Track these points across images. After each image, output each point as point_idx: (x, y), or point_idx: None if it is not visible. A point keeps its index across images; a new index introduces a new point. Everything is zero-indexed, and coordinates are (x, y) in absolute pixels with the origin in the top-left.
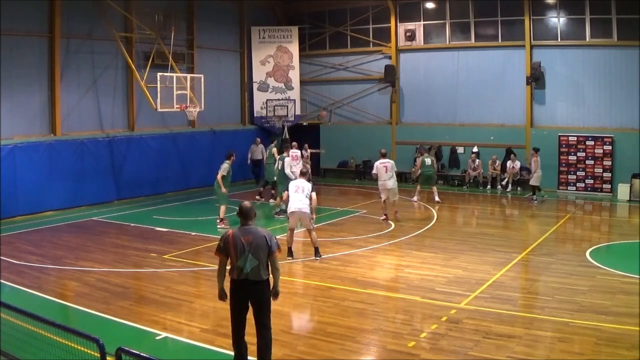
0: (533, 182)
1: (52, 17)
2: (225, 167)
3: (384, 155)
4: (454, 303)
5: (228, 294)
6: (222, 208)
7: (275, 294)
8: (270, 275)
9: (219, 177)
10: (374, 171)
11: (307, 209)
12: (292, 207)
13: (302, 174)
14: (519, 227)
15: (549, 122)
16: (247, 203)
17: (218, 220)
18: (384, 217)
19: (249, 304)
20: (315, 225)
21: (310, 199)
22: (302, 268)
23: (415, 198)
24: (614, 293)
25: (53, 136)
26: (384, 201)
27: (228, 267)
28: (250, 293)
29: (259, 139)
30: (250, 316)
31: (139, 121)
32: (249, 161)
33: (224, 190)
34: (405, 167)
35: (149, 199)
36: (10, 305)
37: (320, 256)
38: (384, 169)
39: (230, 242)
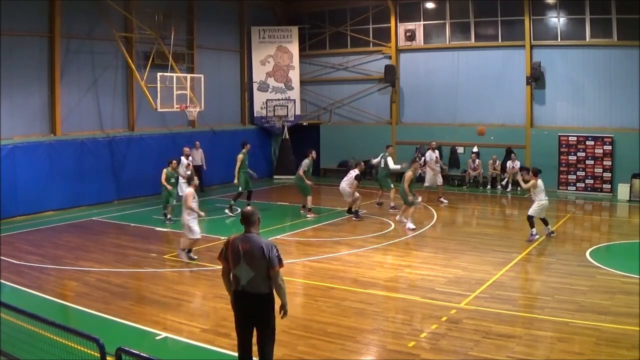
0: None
1: (52, 17)
2: (306, 162)
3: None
4: (454, 303)
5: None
6: (309, 198)
7: (283, 312)
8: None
9: (300, 172)
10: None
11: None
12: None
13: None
14: (519, 227)
15: (549, 122)
16: (249, 208)
17: (302, 210)
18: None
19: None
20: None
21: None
22: (302, 268)
23: (392, 203)
24: (614, 293)
25: (53, 136)
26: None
27: None
28: (249, 307)
29: (198, 142)
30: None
31: (139, 121)
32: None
33: (308, 182)
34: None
35: (149, 199)
36: (10, 305)
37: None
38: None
39: (230, 248)
